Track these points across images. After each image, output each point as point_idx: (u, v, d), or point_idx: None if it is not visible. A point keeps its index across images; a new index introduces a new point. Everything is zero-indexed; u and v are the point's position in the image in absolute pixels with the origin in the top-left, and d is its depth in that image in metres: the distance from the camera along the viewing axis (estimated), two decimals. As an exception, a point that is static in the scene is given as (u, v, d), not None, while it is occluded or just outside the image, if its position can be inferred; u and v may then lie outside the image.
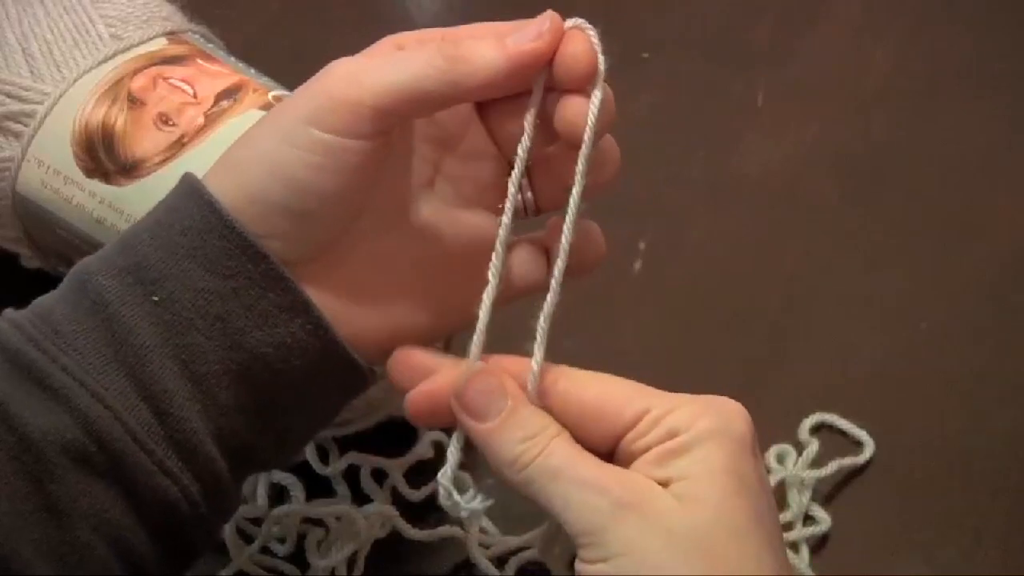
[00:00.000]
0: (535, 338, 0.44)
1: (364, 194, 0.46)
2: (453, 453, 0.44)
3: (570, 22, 0.45)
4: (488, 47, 0.44)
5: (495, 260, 0.45)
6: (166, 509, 0.44)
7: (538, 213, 0.49)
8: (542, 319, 0.44)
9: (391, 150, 0.46)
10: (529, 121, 0.45)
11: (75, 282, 0.45)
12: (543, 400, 0.44)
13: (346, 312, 0.46)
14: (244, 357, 0.45)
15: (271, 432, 0.46)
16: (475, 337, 0.45)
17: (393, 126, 0.45)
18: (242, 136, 0.46)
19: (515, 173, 0.46)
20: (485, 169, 0.48)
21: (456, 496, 0.44)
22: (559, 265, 0.45)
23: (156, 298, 0.44)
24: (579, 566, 0.41)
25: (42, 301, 0.45)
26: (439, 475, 0.44)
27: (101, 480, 0.43)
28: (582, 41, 0.44)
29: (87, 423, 0.43)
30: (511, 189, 0.46)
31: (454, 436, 0.44)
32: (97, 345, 0.44)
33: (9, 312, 0.45)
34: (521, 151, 0.46)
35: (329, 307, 0.46)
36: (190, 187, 0.45)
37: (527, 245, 0.49)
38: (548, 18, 0.44)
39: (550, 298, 0.45)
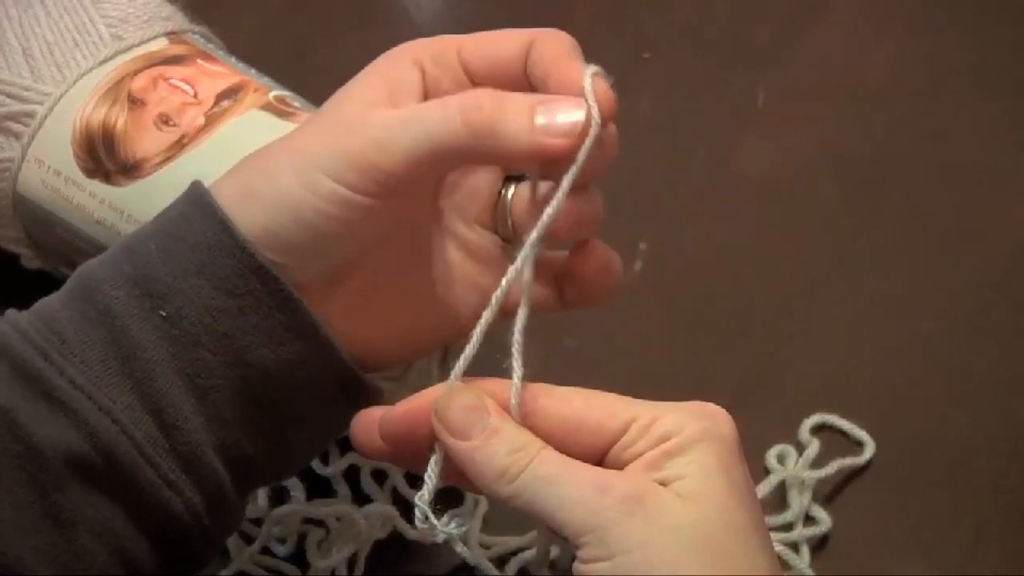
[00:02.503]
0: (511, 354, 0.44)
1: (377, 238, 0.46)
2: (431, 477, 0.44)
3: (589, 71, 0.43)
4: (519, 125, 0.43)
5: (504, 284, 0.44)
6: (169, 521, 0.44)
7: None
8: (517, 333, 0.44)
9: (412, 199, 0.46)
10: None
11: (80, 288, 0.45)
12: (526, 420, 0.43)
13: (351, 325, 0.47)
14: (249, 373, 0.45)
15: (275, 446, 0.46)
16: (460, 360, 0.44)
17: (413, 187, 0.45)
18: (258, 163, 0.46)
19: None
20: (487, 183, 0.49)
21: (433, 519, 0.43)
22: (529, 269, 0.44)
23: (163, 313, 0.44)
24: (578, 567, 0.40)
25: (46, 304, 0.45)
26: (416, 497, 0.43)
27: (105, 491, 0.43)
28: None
29: (94, 436, 0.43)
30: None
31: (432, 459, 0.44)
32: (104, 358, 0.44)
33: (12, 314, 0.45)
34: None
35: (334, 320, 0.46)
36: (201, 200, 0.45)
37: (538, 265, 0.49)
38: (585, 112, 0.43)
39: (521, 312, 0.44)
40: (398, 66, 0.46)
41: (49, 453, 0.42)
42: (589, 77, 0.43)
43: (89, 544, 0.43)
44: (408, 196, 0.45)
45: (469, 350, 0.44)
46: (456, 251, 0.49)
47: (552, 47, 0.45)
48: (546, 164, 0.44)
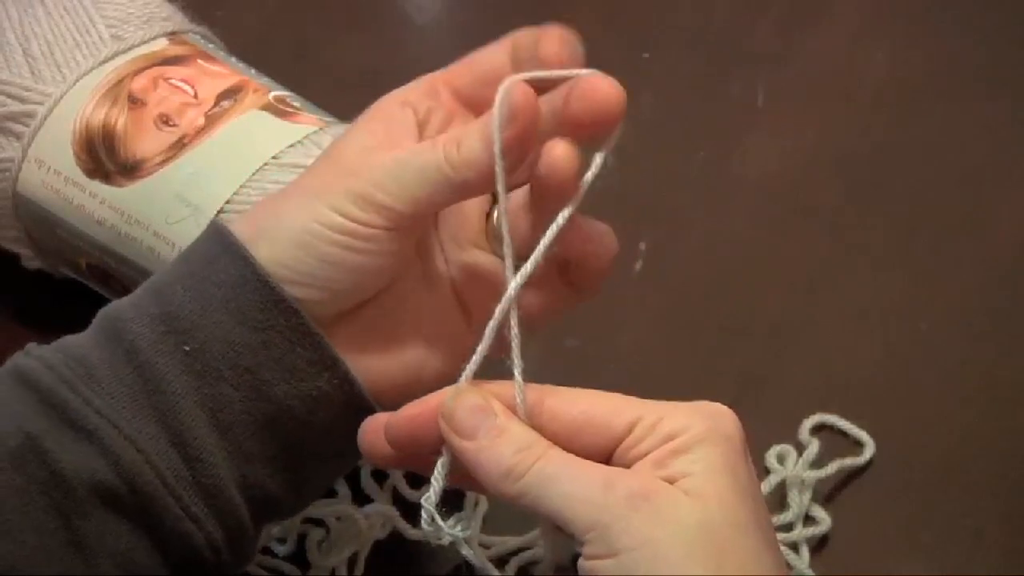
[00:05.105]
0: (511, 349, 0.44)
1: (390, 271, 0.47)
2: (438, 479, 0.44)
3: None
4: (477, 141, 0.44)
5: (504, 302, 0.44)
6: (189, 553, 0.45)
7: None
8: (513, 328, 0.44)
9: (416, 230, 0.47)
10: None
11: (106, 326, 0.46)
12: (532, 420, 0.43)
13: (363, 358, 0.47)
14: (270, 408, 0.45)
15: (295, 482, 0.47)
16: (469, 363, 0.44)
17: (416, 223, 0.46)
18: (267, 205, 0.47)
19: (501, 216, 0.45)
20: (476, 205, 0.49)
21: (439, 521, 0.44)
22: (516, 280, 0.44)
23: (187, 348, 0.45)
24: (583, 565, 0.41)
25: (73, 342, 0.46)
26: (423, 499, 0.44)
27: (128, 521, 0.44)
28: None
29: (119, 465, 0.43)
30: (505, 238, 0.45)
31: (439, 461, 0.44)
32: (130, 391, 0.44)
33: (36, 349, 0.46)
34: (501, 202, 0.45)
35: (352, 355, 0.46)
36: (224, 240, 0.46)
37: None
38: (511, 93, 0.43)
39: (512, 314, 0.44)
40: (390, 108, 0.47)
41: (74, 481, 0.43)
42: (502, 91, 0.44)
43: (109, 573, 0.43)
44: (414, 228, 0.47)
45: (478, 354, 0.44)
46: (456, 278, 0.49)
47: (529, 47, 0.46)
48: (516, 160, 0.44)
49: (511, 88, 0.43)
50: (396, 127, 0.47)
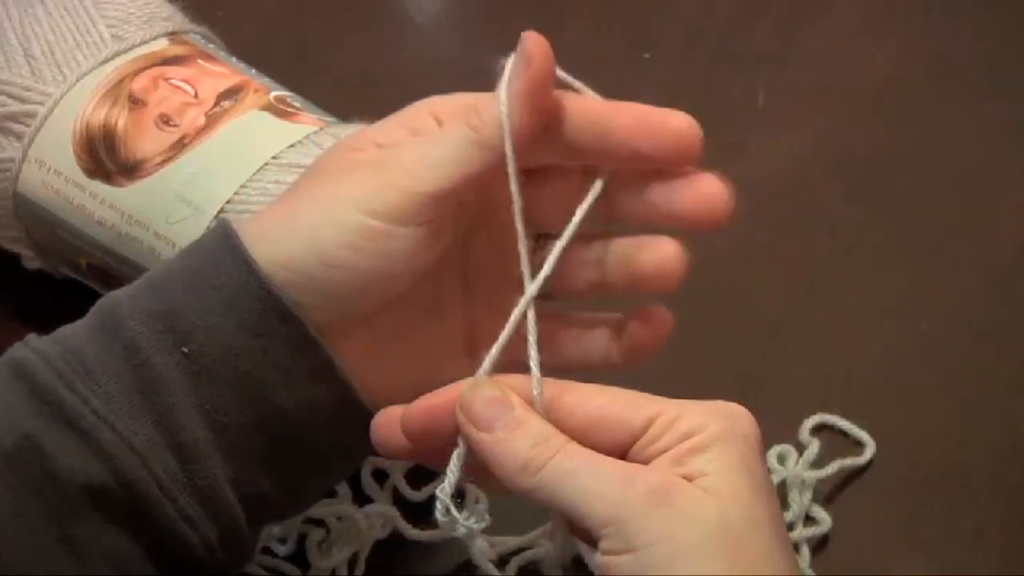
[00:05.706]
0: (527, 343, 0.44)
1: (405, 277, 0.46)
2: (453, 471, 0.44)
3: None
4: (495, 98, 0.44)
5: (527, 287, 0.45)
6: (184, 555, 0.44)
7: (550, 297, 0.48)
8: (529, 323, 0.44)
9: (437, 234, 0.46)
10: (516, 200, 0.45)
11: (105, 321, 0.45)
12: (549, 415, 0.43)
13: (366, 370, 0.47)
14: (267, 411, 0.45)
15: (290, 484, 0.47)
16: (488, 357, 0.44)
17: (443, 212, 0.45)
18: (279, 205, 0.47)
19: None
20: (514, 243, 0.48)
21: (454, 512, 0.44)
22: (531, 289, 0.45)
23: (186, 349, 0.44)
24: (599, 559, 0.41)
25: (69, 333, 0.46)
26: (438, 490, 0.44)
27: (123, 523, 0.44)
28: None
29: (115, 467, 0.43)
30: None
31: (455, 453, 0.44)
32: (126, 391, 0.44)
33: (34, 340, 0.45)
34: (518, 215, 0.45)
35: (351, 362, 0.46)
36: (227, 241, 0.45)
37: (590, 323, 0.49)
38: (526, 40, 0.44)
39: (530, 311, 0.44)
40: (417, 116, 0.46)
41: (69, 482, 0.43)
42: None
43: (103, 574, 0.43)
44: (433, 232, 0.45)
45: (497, 346, 0.44)
46: (481, 310, 0.49)
47: None
48: (543, 114, 0.45)
49: (524, 36, 0.43)
50: (422, 131, 0.46)
